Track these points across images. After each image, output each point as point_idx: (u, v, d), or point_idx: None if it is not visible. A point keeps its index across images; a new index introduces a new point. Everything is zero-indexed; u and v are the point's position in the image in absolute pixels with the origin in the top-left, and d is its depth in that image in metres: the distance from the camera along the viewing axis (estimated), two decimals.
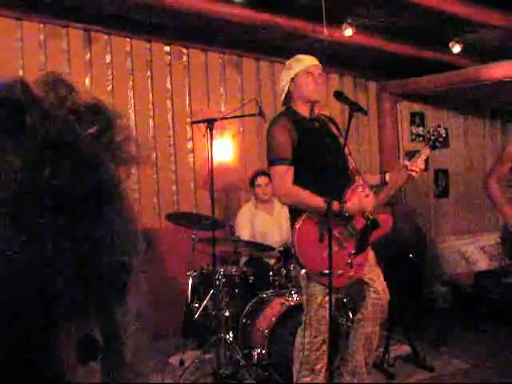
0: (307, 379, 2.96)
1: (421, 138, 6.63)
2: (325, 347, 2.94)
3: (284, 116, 2.99)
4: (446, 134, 3.02)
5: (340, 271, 2.85)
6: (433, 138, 2.95)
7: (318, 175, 2.87)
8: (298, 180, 2.90)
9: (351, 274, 2.90)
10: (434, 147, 2.99)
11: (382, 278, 3.10)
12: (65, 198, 0.45)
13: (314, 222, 2.86)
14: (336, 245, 2.86)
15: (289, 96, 3.02)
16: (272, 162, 2.93)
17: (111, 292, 0.50)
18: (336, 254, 2.81)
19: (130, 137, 0.54)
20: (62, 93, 0.51)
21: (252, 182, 4.53)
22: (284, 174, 2.88)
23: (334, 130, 3.10)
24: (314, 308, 2.92)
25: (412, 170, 2.90)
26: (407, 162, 2.94)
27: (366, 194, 2.89)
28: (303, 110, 2.99)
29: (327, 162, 2.86)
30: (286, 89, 3.00)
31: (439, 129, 2.95)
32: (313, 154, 2.91)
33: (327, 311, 2.87)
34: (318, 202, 2.76)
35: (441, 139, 2.96)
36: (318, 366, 2.94)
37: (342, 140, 2.99)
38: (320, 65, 3.01)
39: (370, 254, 3.08)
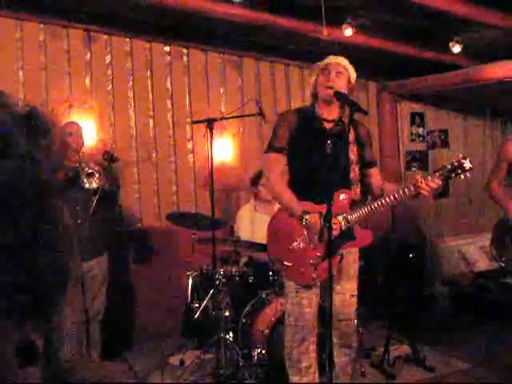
0: (296, 378, 2.93)
1: (421, 138, 6.64)
2: (308, 345, 2.89)
3: (295, 110, 3.06)
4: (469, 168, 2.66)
5: (302, 269, 2.82)
6: (453, 172, 2.65)
7: (308, 175, 2.87)
8: (292, 173, 2.93)
9: (314, 275, 2.82)
10: (449, 178, 2.69)
11: (350, 294, 2.96)
12: None
13: (289, 214, 2.88)
14: (305, 243, 2.85)
15: (314, 97, 2.99)
16: (266, 148, 2.99)
17: (49, 295, 0.49)
18: (302, 251, 2.84)
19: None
20: None
21: (255, 181, 4.48)
22: (271, 162, 2.93)
23: (352, 135, 2.93)
24: (289, 304, 2.92)
25: (421, 187, 2.65)
26: (418, 177, 2.70)
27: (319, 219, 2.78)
28: (321, 111, 2.93)
29: (320, 165, 2.83)
30: (312, 89, 2.99)
31: (464, 161, 2.64)
32: (306, 153, 2.89)
33: (305, 308, 2.86)
34: (294, 208, 2.82)
35: (460, 171, 2.64)
36: (303, 365, 2.90)
37: (354, 147, 2.91)
38: (341, 62, 2.90)
39: (348, 265, 2.96)
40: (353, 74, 2.94)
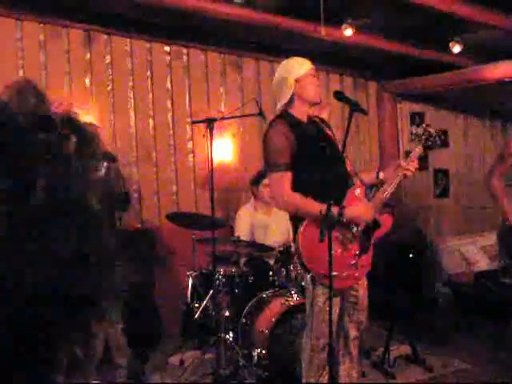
0: (312, 380, 2.94)
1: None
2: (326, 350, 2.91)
3: (280, 120, 2.89)
4: (440, 135, 3.02)
5: (345, 273, 2.82)
6: (424, 137, 2.96)
7: (318, 179, 2.81)
8: (299, 185, 2.81)
9: (357, 274, 2.88)
10: (427, 147, 2.99)
11: (361, 326, 3.02)
12: (38, 218, 0.44)
13: (317, 224, 2.72)
14: (340, 247, 2.83)
15: (292, 98, 2.89)
16: (269, 167, 2.87)
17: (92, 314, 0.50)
18: (341, 256, 2.81)
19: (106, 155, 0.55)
20: (32, 103, 0.49)
21: (257, 182, 4.39)
22: (279, 180, 2.81)
23: (329, 132, 3.04)
24: (316, 311, 2.87)
25: (407, 169, 2.89)
26: (403, 162, 2.93)
27: (364, 203, 2.88)
28: (301, 113, 2.90)
29: (325, 166, 2.82)
30: (291, 91, 2.88)
31: (429, 128, 2.97)
32: (311, 158, 2.84)
33: (329, 315, 2.80)
34: (315, 208, 2.70)
35: (432, 138, 2.96)
36: (322, 371, 2.90)
37: (338, 142, 2.99)
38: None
39: (364, 295, 3.02)
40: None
